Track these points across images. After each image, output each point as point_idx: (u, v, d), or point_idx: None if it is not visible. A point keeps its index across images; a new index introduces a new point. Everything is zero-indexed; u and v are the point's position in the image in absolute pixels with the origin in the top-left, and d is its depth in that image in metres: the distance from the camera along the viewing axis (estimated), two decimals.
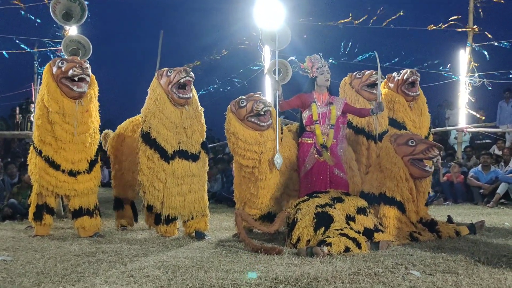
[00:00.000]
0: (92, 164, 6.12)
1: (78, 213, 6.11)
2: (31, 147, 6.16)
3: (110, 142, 7.16)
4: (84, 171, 6.04)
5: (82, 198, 6.11)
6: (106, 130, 7.69)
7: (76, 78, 5.75)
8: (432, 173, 5.72)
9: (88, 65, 5.89)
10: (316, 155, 6.21)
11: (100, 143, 6.32)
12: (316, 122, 6.26)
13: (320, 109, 6.28)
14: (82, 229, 6.12)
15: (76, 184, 6.02)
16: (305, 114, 6.35)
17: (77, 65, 5.76)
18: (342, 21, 11.96)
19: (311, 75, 6.42)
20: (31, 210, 6.17)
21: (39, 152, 5.91)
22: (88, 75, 5.82)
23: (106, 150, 7.47)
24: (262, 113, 6.02)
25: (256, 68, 12.02)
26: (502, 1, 11.89)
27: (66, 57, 6.31)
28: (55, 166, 5.89)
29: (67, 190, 6.02)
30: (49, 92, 5.77)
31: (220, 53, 13.08)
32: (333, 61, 12.08)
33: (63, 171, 5.92)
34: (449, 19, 12.09)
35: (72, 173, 5.96)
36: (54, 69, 5.86)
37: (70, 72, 5.72)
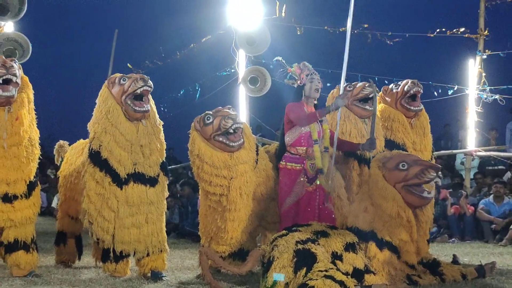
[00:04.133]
0: (30, 187, 6.00)
1: (12, 248, 5.96)
2: None
3: (63, 165, 7.08)
4: (21, 195, 5.92)
5: (18, 229, 5.96)
6: (60, 142, 7.57)
7: (0, 80, 5.68)
8: (432, 198, 5.67)
9: (14, 64, 5.79)
10: (306, 183, 6.17)
11: (40, 160, 6.21)
12: (316, 142, 6.20)
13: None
14: (16, 267, 5.97)
15: (13, 213, 5.87)
16: (296, 132, 6.24)
17: (0, 65, 5.71)
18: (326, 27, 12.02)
19: (299, 82, 6.34)
20: None
21: None
22: (15, 75, 5.71)
23: (58, 164, 7.36)
24: (232, 131, 6.00)
25: (225, 74, 11.97)
26: None
27: None
28: None
29: (1, 221, 5.88)
30: None
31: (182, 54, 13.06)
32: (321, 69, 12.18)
33: None
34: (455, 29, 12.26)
35: (7, 198, 5.82)
36: None
37: None
